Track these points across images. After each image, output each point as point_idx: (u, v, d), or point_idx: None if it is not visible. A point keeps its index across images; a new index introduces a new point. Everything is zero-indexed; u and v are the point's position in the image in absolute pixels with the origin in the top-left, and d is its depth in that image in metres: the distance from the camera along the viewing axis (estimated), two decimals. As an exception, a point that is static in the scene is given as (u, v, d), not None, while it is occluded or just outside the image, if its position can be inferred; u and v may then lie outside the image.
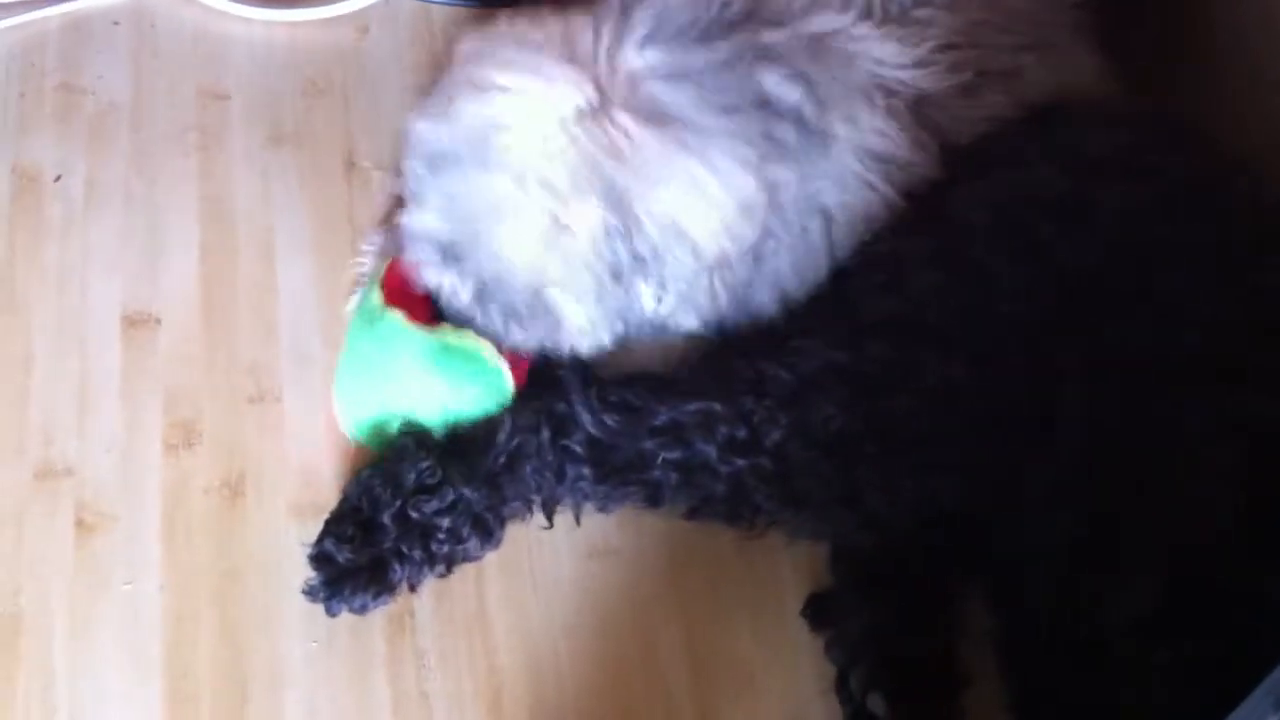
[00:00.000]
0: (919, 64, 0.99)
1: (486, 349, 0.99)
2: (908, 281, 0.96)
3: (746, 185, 0.94)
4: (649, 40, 0.95)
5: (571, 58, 0.94)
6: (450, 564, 0.98)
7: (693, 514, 1.00)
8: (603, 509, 1.01)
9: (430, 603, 0.98)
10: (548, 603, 0.99)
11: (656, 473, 0.97)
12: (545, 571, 1.00)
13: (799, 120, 0.95)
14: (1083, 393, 0.88)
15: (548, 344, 1.00)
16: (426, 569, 0.97)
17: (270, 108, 1.23)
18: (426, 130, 0.96)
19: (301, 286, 1.12)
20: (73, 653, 0.95)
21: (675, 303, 0.99)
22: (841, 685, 0.96)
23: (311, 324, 1.10)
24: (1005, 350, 0.92)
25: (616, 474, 0.98)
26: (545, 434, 0.97)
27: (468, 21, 1.30)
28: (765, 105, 0.95)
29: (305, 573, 0.96)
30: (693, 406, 0.96)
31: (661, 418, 0.97)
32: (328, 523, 0.97)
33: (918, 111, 1.00)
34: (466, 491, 0.96)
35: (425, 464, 0.96)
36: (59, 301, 1.10)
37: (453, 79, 0.98)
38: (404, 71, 1.26)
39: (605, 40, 0.95)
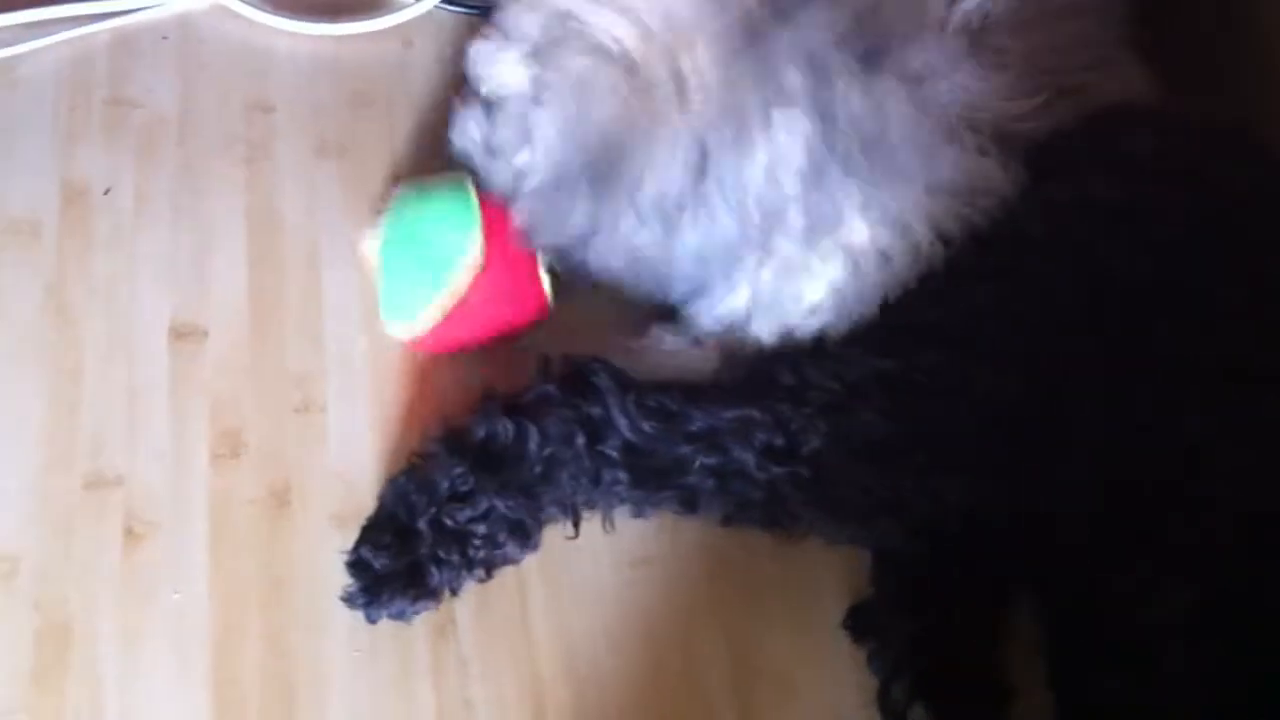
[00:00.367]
0: (1004, 97, 0.98)
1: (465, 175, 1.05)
2: (960, 291, 0.95)
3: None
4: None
5: None
6: (489, 568, 0.98)
7: (729, 520, 1.00)
8: (638, 514, 1.01)
9: (472, 611, 0.98)
10: (589, 611, 0.99)
11: (693, 479, 0.97)
12: (585, 580, 1.00)
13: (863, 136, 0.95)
14: (1136, 402, 0.87)
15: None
16: (465, 574, 0.97)
17: (316, 120, 1.24)
18: None
19: (347, 297, 1.13)
20: (121, 661, 0.96)
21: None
22: (884, 697, 0.95)
23: (357, 335, 1.11)
24: (1058, 360, 0.91)
25: (652, 479, 0.98)
26: (580, 440, 0.97)
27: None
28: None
29: (346, 581, 0.96)
30: (730, 413, 0.96)
31: (698, 423, 0.96)
32: (364, 530, 0.98)
33: (1001, 137, 0.98)
34: (499, 502, 0.96)
35: (458, 470, 0.96)
36: (107, 313, 1.11)
37: None
38: (448, 83, 1.26)
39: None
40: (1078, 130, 1.00)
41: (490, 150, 1.06)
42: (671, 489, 0.98)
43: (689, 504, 0.99)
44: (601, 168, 0.98)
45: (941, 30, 0.98)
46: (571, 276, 1.06)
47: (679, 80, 0.96)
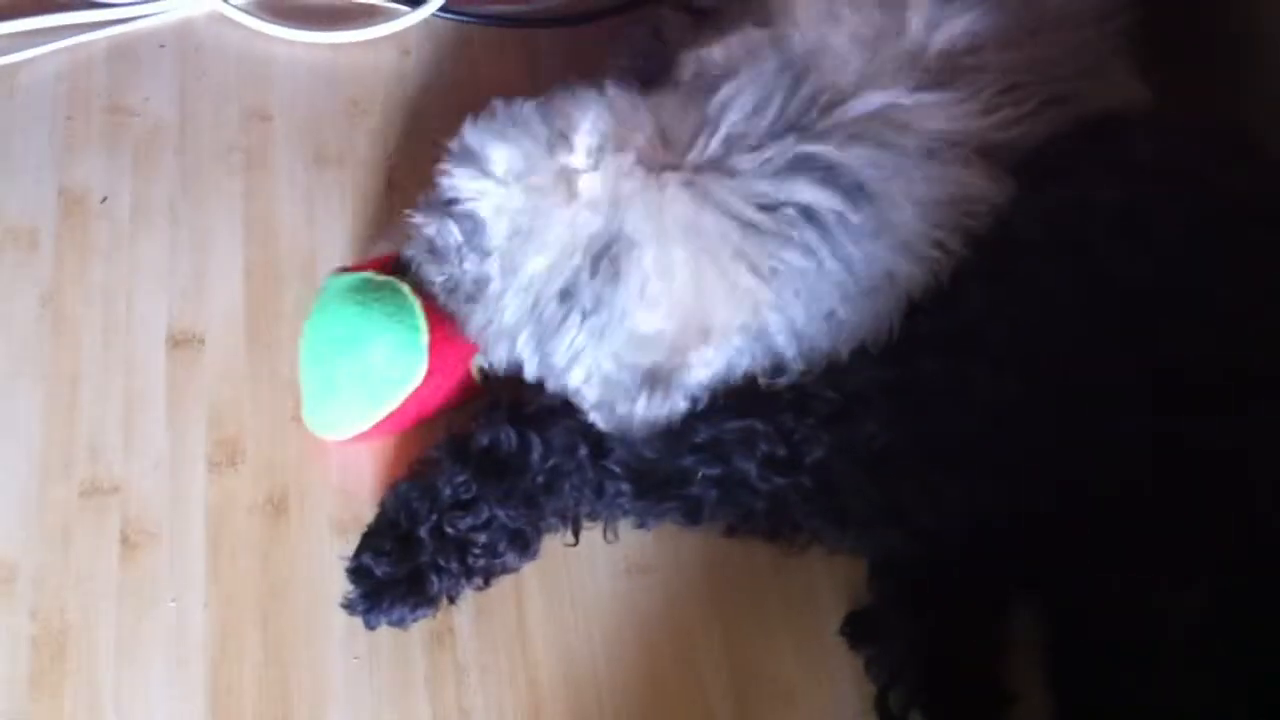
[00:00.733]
0: (984, 112, 0.98)
1: (412, 292, 1.00)
2: (960, 297, 0.95)
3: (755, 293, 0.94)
4: (718, 159, 0.94)
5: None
6: (488, 577, 0.98)
7: (732, 531, 1.00)
8: (641, 525, 1.01)
9: (471, 619, 0.98)
10: (587, 619, 0.99)
11: (696, 489, 0.97)
12: (584, 588, 1.00)
13: (840, 219, 0.94)
14: (1137, 407, 0.88)
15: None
16: (464, 582, 0.97)
17: (313, 129, 1.24)
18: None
19: (344, 305, 1.13)
20: (118, 670, 0.96)
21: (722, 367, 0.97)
22: (883, 703, 0.95)
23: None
24: (1058, 365, 0.91)
25: (656, 491, 0.98)
26: (584, 451, 0.97)
27: (509, 42, 1.31)
28: (805, 211, 0.93)
29: (346, 588, 0.96)
30: (734, 424, 0.96)
31: (702, 435, 0.96)
32: (365, 536, 0.98)
33: (987, 151, 0.98)
34: (501, 512, 0.96)
35: (460, 478, 0.97)
36: (105, 321, 1.11)
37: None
38: (445, 92, 1.27)
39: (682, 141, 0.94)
40: (1076, 135, 1.00)
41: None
42: (675, 500, 0.98)
43: (692, 515, 0.99)
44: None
45: (917, 59, 0.99)
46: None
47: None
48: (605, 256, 0.92)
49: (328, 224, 1.18)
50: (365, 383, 0.99)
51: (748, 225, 0.92)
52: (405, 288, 1.00)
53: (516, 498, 0.97)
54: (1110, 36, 1.06)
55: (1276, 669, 0.77)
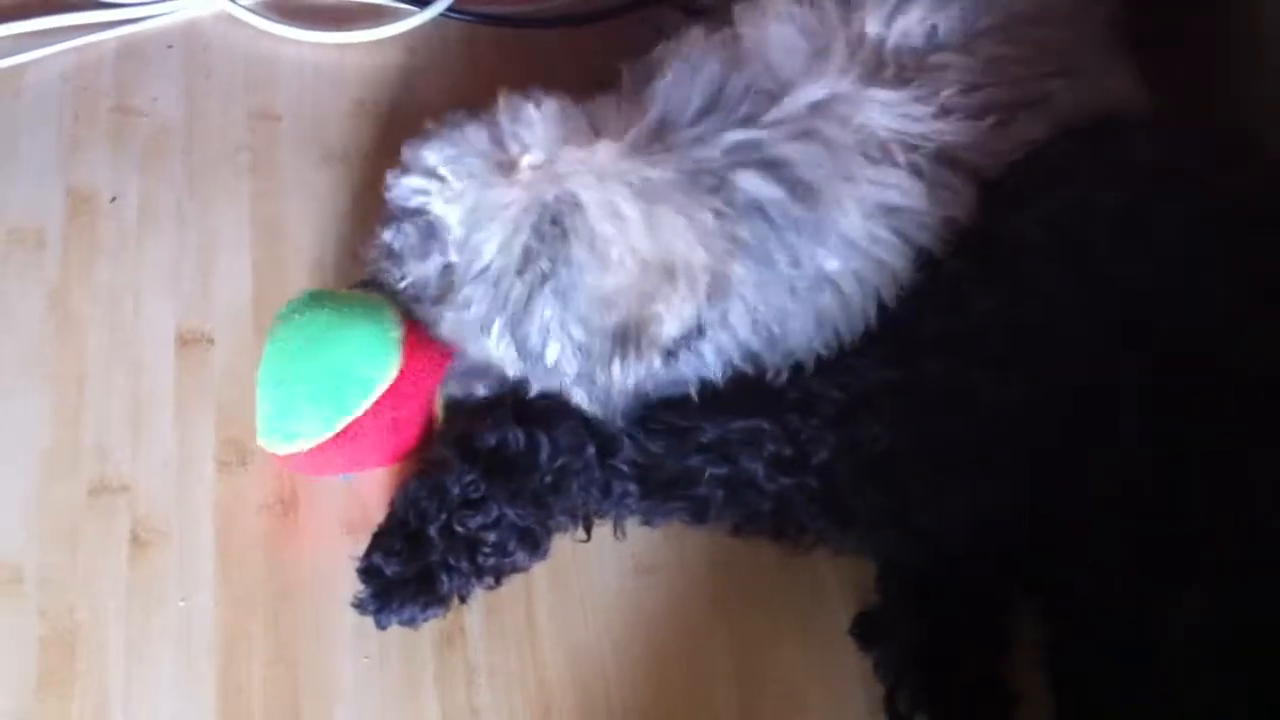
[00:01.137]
0: (940, 113, 0.98)
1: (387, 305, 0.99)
2: (962, 300, 0.96)
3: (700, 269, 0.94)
4: (653, 135, 0.95)
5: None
6: (498, 576, 0.98)
7: (738, 530, 1.00)
8: (647, 523, 1.01)
9: (480, 618, 0.99)
10: (595, 619, 0.99)
11: (702, 489, 0.97)
12: (593, 588, 1.00)
13: (783, 212, 0.94)
14: (1139, 408, 0.88)
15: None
16: (474, 581, 0.98)
17: (320, 129, 1.24)
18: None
19: (352, 305, 1.13)
20: (127, 669, 0.96)
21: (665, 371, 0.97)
22: (890, 704, 0.95)
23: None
24: (1060, 366, 0.91)
25: (662, 490, 0.98)
26: (591, 451, 0.97)
27: (514, 43, 1.31)
28: (747, 204, 0.94)
29: (356, 588, 0.96)
30: (740, 424, 0.96)
31: (708, 435, 0.97)
32: (376, 536, 0.98)
33: (946, 158, 0.98)
34: (509, 511, 0.97)
35: (469, 478, 0.97)
36: (113, 320, 1.11)
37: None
38: (452, 92, 1.27)
39: (618, 129, 0.95)
40: (1076, 136, 1.00)
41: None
42: (681, 499, 0.99)
43: (699, 514, 0.99)
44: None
45: (873, 52, 0.99)
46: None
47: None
48: (550, 219, 0.92)
49: (334, 223, 1.18)
50: (336, 380, 0.96)
51: (693, 175, 0.93)
52: (377, 295, 1.00)
53: (525, 497, 0.97)
54: (1093, 36, 1.06)
55: (1277, 670, 0.77)
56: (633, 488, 0.98)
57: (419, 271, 0.97)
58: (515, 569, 0.99)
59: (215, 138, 1.23)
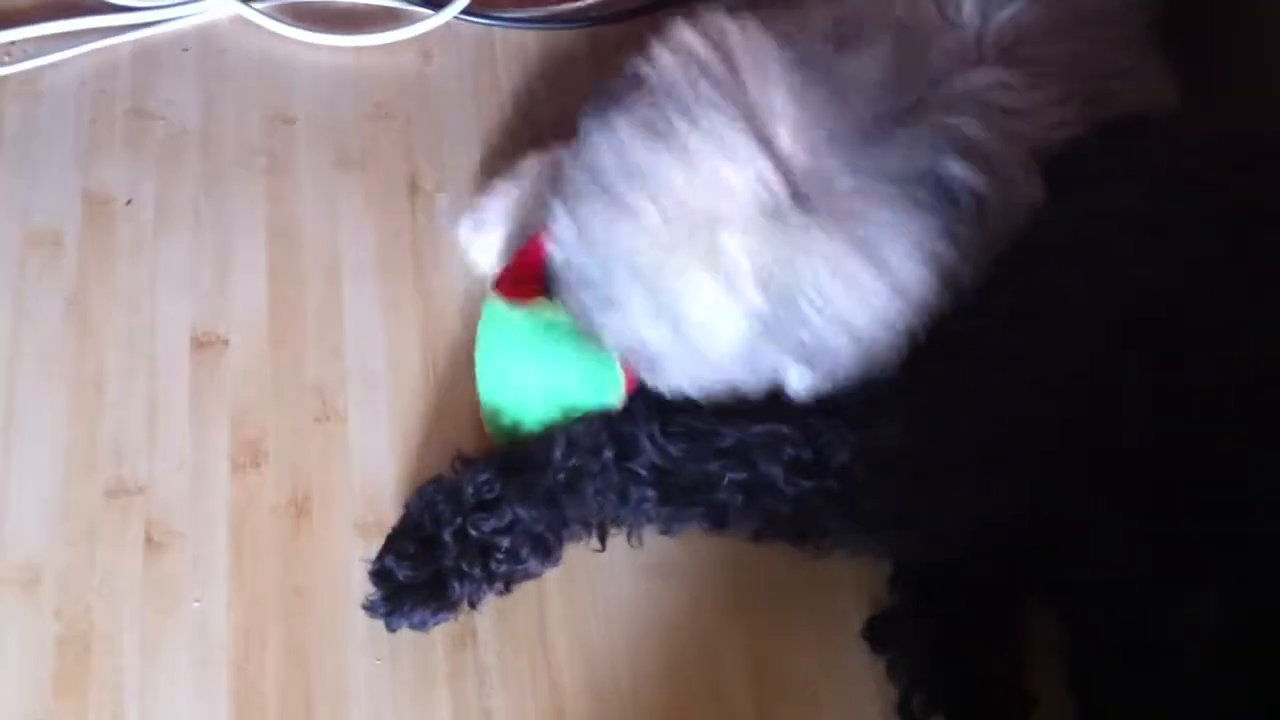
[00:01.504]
0: (1046, 104, 0.98)
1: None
2: (981, 302, 0.95)
3: (919, 279, 0.92)
4: (832, 138, 0.91)
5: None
6: (510, 582, 0.98)
7: (758, 536, 1.00)
8: (666, 531, 1.01)
9: (492, 620, 0.99)
10: (609, 621, 0.99)
11: (721, 494, 0.97)
12: (606, 589, 1.00)
13: (980, 200, 0.93)
14: (1155, 409, 0.87)
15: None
16: (486, 587, 0.97)
17: (336, 132, 1.25)
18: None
19: (367, 307, 1.13)
20: (142, 670, 0.96)
21: (816, 380, 0.97)
22: (905, 706, 0.95)
23: (376, 344, 1.11)
24: (1075, 370, 0.91)
25: (681, 496, 0.98)
26: (608, 454, 0.97)
27: (530, 45, 1.31)
28: (948, 196, 0.92)
29: (369, 590, 0.96)
30: (759, 428, 0.96)
31: (727, 440, 0.96)
32: (389, 539, 0.98)
33: (1035, 150, 0.98)
34: (522, 511, 0.96)
35: (484, 478, 0.97)
36: (129, 322, 1.12)
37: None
38: (467, 95, 1.27)
39: (784, 130, 0.91)
40: (1095, 137, 1.00)
41: None
42: (700, 505, 0.98)
43: (718, 520, 0.99)
44: None
45: (978, 46, 0.98)
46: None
47: None
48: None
49: (350, 226, 1.18)
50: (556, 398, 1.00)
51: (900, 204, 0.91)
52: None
53: (537, 495, 0.96)
54: (1139, 35, 1.06)
55: None
56: (651, 493, 0.98)
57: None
58: (527, 576, 0.98)
59: (231, 141, 1.23)
